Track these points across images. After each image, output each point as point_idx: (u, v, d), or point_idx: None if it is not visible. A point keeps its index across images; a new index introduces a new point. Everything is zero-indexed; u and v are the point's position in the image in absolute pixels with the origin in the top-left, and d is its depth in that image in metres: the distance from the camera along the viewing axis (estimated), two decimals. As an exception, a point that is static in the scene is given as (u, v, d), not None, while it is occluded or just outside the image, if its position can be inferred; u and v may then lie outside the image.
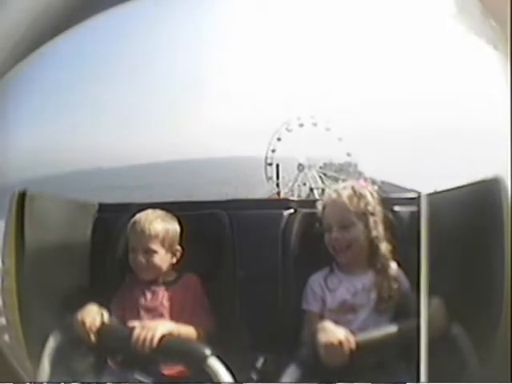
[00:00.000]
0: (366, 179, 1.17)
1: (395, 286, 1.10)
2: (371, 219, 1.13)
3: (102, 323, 1.05)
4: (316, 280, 1.14)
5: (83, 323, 1.04)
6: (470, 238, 1.02)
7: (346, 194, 1.14)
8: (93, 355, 1.08)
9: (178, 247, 1.19)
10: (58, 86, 1.16)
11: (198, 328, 1.11)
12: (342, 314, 1.09)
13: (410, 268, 1.02)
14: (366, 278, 1.12)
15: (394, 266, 1.12)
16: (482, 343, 0.95)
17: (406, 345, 0.94)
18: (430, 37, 1.09)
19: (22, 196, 1.10)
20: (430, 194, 1.07)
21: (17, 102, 1.14)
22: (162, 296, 1.16)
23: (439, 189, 1.11)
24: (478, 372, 0.94)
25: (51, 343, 1.03)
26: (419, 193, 1.12)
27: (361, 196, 1.14)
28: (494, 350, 0.93)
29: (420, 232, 0.97)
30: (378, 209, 1.15)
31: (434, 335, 0.91)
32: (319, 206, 1.17)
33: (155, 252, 1.16)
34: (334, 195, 1.15)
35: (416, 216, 1.07)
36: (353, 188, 1.16)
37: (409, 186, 1.09)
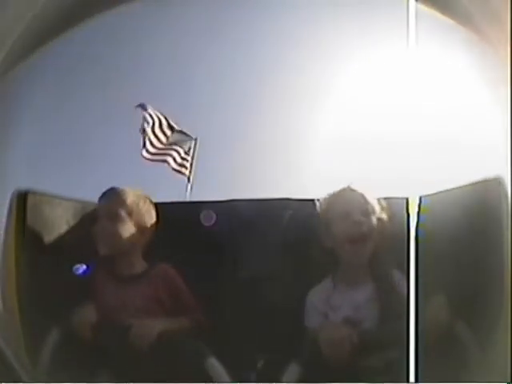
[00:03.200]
0: None
1: (398, 294, 1.04)
2: (374, 218, 1.10)
3: (101, 321, 1.05)
4: (318, 296, 1.12)
5: (81, 321, 1.04)
6: (470, 238, 1.02)
7: (357, 189, 1.11)
8: (91, 353, 1.08)
9: (148, 228, 1.12)
10: (59, 87, 1.16)
11: (186, 319, 1.10)
12: (346, 327, 1.06)
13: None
14: (368, 290, 1.09)
15: (396, 273, 1.08)
16: (482, 342, 0.95)
17: (406, 344, 0.94)
18: (428, 47, 1.09)
19: (23, 196, 1.10)
20: (429, 195, 1.07)
21: (17, 102, 1.14)
22: (136, 290, 1.12)
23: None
24: (478, 372, 0.94)
25: (50, 342, 1.04)
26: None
27: (363, 195, 1.12)
28: (494, 350, 0.93)
29: (409, 233, 0.98)
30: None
31: (434, 335, 0.91)
32: (324, 202, 1.14)
33: (120, 219, 1.10)
34: (346, 189, 1.12)
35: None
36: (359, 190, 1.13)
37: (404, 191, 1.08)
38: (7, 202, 1.09)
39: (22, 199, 1.10)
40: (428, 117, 1.07)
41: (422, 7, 1.01)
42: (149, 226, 1.12)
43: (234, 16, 1.14)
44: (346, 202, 1.12)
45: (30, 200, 1.11)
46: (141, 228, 1.12)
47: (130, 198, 1.10)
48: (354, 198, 1.12)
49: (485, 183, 0.98)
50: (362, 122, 1.11)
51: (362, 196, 1.11)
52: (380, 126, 1.10)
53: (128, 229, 1.11)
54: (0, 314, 1.04)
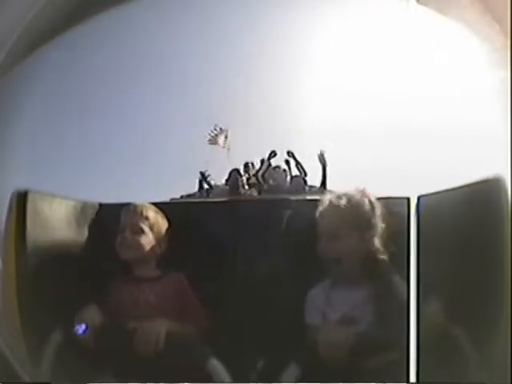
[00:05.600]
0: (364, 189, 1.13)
1: (396, 297, 1.05)
2: (367, 233, 1.09)
3: (102, 323, 1.06)
4: (318, 294, 1.12)
5: (83, 323, 1.04)
6: (470, 238, 1.02)
7: (339, 203, 1.10)
8: (92, 355, 1.08)
9: (165, 240, 1.19)
10: (59, 87, 1.16)
11: (190, 325, 1.11)
12: (343, 326, 1.06)
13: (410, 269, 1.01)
14: (366, 290, 1.08)
15: (395, 278, 1.07)
16: (482, 344, 0.95)
17: (405, 345, 0.94)
18: (425, 34, 1.08)
19: (23, 196, 1.10)
20: (428, 195, 1.07)
21: (17, 102, 1.14)
22: (149, 292, 1.17)
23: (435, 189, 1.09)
24: (478, 372, 0.94)
25: (51, 343, 1.04)
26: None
27: (357, 206, 1.09)
28: (494, 350, 0.93)
29: (410, 233, 0.98)
30: (376, 221, 1.09)
31: (432, 336, 0.91)
32: (317, 211, 1.13)
33: (143, 232, 1.17)
34: (327, 204, 1.10)
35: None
36: (349, 198, 1.10)
37: (402, 188, 1.08)
38: (7, 202, 1.09)
39: (21, 199, 1.10)
40: (427, 116, 1.07)
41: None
42: (165, 238, 1.19)
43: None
44: (320, 224, 1.10)
45: (30, 200, 1.11)
46: (159, 240, 1.19)
47: (152, 214, 1.18)
48: (328, 217, 1.09)
49: (485, 183, 0.98)
50: (361, 117, 1.11)
51: (337, 215, 1.08)
52: (378, 122, 1.10)
53: (149, 241, 1.18)
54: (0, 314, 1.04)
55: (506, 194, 0.95)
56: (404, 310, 0.98)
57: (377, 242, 1.08)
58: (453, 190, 1.03)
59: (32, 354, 1.03)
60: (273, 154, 1.24)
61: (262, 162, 1.25)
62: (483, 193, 0.98)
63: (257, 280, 1.19)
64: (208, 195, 1.26)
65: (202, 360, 1.02)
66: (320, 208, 1.12)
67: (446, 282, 0.99)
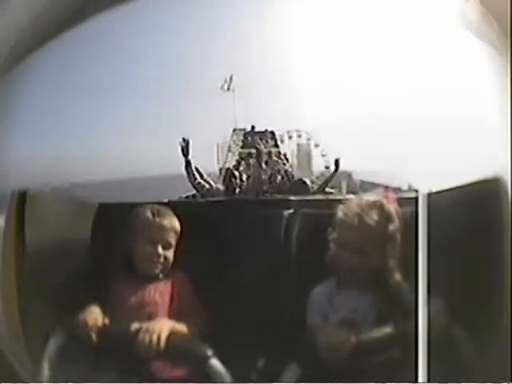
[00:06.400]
0: (388, 190, 1.10)
1: (403, 305, 1.04)
2: (389, 247, 1.07)
3: (104, 324, 1.05)
4: (320, 295, 1.12)
5: (85, 324, 1.04)
6: (470, 238, 1.02)
7: (372, 215, 1.07)
8: (94, 356, 1.08)
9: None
10: (59, 87, 1.16)
11: (191, 325, 1.11)
12: (344, 328, 1.05)
13: (410, 268, 1.01)
14: (371, 297, 1.08)
15: (405, 288, 1.07)
16: (482, 343, 0.96)
17: (406, 345, 0.94)
18: (426, 29, 1.09)
19: (22, 196, 1.10)
20: (428, 194, 1.07)
21: (17, 103, 1.14)
22: (154, 292, 1.17)
23: (434, 188, 1.09)
24: (478, 372, 0.94)
25: (52, 343, 1.03)
26: (417, 193, 1.08)
27: (388, 218, 1.07)
28: (494, 349, 0.93)
29: (418, 232, 0.97)
30: (398, 234, 1.08)
31: (434, 335, 0.91)
32: (338, 211, 1.10)
33: (171, 246, 1.18)
34: (358, 211, 1.07)
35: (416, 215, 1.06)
36: (381, 207, 1.08)
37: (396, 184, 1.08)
38: (7, 202, 1.09)
39: (21, 199, 1.10)
40: (427, 115, 1.07)
41: None
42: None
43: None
44: (344, 230, 1.08)
45: (29, 200, 1.11)
46: (176, 248, 1.20)
47: (178, 225, 1.19)
48: (357, 228, 1.06)
49: (485, 183, 0.98)
50: (357, 115, 1.12)
51: (368, 228, 1.05)
52: (381, 119, 1.10)
53: (173, 252, 1.19)
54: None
55: (506, 194, 0.95)
56: (408, 314, 0.97)
57: (396, 253, 1.07)
58: (452, 189, 1.04)
59: (32, 353, 1.03)
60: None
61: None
62: (483, 192, 0.98)
63: (257, 279, 1.19)
64: (203, 188, 1.28)
65: (203, 360, 1.02)
66: (345, 214, 1.09)
67: (448, 280, 0.99)
